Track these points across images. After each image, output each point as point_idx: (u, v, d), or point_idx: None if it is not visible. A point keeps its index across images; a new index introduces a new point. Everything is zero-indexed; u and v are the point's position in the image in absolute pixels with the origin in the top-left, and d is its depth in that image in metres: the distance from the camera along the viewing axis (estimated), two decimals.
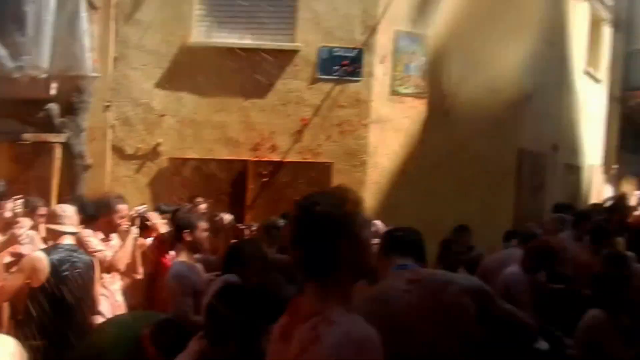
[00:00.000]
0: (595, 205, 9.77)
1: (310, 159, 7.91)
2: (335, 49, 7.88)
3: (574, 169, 11.40)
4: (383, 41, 7.94)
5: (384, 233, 2.84)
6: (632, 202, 10.54)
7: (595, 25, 11.86)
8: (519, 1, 8.43)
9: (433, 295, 2.28)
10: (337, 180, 7.43)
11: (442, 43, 7.81)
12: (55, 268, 3.64)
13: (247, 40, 7.98)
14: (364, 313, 1.58)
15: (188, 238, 3.96)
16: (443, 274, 2.66)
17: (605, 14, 12.09)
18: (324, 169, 7.79)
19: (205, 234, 4.13)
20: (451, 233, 6.01)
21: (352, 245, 1.52)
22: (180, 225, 4.10)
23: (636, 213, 8.73)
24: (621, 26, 12.70)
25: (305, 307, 1.55)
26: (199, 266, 4.09)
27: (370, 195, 7.58)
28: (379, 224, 4.84)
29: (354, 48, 7.88)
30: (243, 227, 6.35)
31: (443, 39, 7.83)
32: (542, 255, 4.52)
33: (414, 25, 7.98)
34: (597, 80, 11.99)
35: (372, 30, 7.87)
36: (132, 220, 4.47)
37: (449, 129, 7.86)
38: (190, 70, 7.94)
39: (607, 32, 12.36)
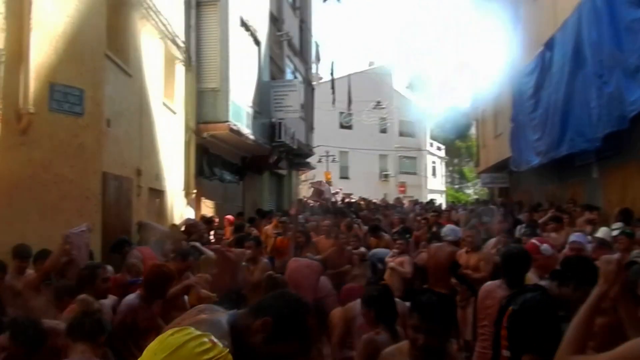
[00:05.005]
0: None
1: None
2: None
3: (158, 193, 12.23)
4: None
5: None
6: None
7: (169, 62, 13.06)
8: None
9: None
10: None
11: (18, 59, 7.45)
12: None
13: None
14: None
15: None
16: None
17: (178, 53, 13.42)
18: None
19: None
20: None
21: None
22: None
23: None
24: (193, 66, 14.28)
25: None
26: None
27: None
28: None
29: None
30: None
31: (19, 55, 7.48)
32: None
33: None
34: (173, 112, 13.16)
35: None
36: None
37: (28, 149, 7.56)
38: None
39: (180, 70, 13.73)
